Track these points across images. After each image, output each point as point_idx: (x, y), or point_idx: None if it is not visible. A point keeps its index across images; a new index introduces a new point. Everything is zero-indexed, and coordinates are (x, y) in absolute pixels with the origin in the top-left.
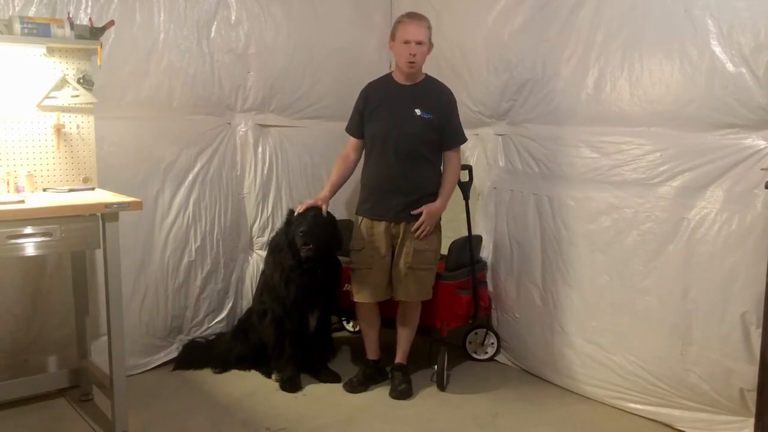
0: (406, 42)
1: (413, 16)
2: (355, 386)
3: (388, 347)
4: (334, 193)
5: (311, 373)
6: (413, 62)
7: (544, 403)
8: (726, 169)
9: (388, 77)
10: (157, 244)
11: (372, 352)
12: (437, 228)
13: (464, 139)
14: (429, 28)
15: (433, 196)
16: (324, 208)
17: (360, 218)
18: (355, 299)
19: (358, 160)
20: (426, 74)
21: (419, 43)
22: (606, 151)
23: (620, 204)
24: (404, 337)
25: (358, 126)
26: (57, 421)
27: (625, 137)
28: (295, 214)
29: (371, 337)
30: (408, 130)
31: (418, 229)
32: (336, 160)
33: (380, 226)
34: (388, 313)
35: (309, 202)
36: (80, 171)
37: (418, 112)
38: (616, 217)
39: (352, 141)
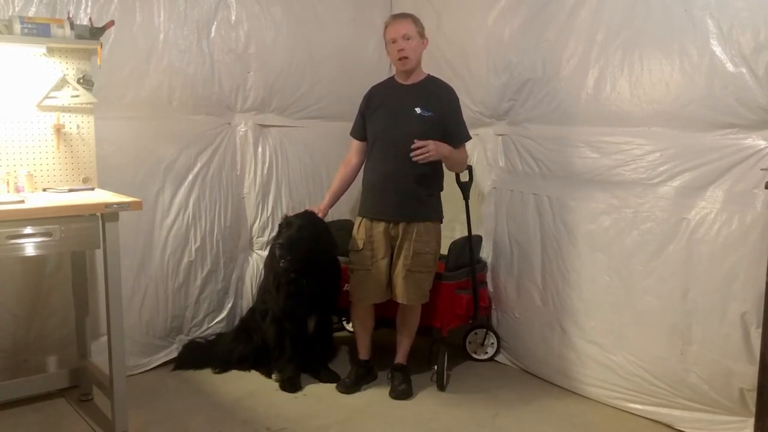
0: (393, 41)
1: (396, 16)
2: (348, 387)
3: (387, 348)
4: (335, 201)
5: (311, 374)
6: (404, 57)
7: (544, 403)
8: (726, 169)
9: (390, 80)
10: (157, 244)
11: (364, 353)
12: (436, 232)
13: (468, 137)
14: (416, 23)
15: (433, 196)
16: (319, 215)
17: (360, 219)
18: (353, 300)
19: (361, 164)
20: (428, 74)
21: (406, 38)
22: (606, 151)
23: (620, 204)
24: (404, 339)
25: (360, 128)
26: (57, 421)
27: (625, 137)
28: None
29: (364, 338)
30: (408, 128)
31: (417, 148)
32: (338, 166)
33: (379, 227)
34: (389, 313)
35: (308, 210)
36: (80, 171)
37: (418, 110)
38: (616, 217)
39: (354, 144)
